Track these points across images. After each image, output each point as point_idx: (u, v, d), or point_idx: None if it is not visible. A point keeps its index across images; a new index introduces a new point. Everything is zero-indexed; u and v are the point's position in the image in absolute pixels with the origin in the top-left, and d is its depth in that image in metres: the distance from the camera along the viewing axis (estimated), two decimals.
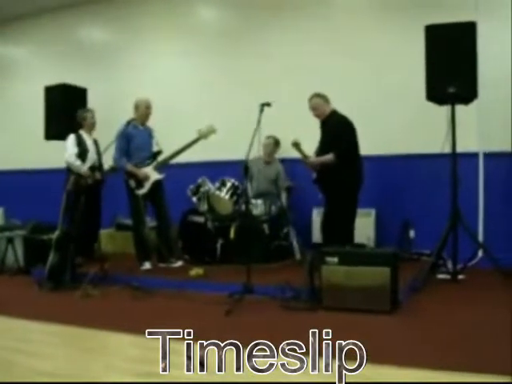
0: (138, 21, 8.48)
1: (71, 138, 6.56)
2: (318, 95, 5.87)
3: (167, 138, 6.54)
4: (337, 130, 5.76)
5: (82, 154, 6.53)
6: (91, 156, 6.58)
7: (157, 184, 6.30)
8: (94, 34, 9.09)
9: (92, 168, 6.38)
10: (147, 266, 6.29)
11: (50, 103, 7.36)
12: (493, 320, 3.96)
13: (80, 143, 6.56)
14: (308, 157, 5.91)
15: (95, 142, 6.79)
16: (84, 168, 6.39)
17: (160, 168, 6.30)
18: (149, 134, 6.45)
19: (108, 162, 6.39)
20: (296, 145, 5.85)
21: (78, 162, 6.41)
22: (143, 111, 6.38)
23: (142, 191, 6.26)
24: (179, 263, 6.43)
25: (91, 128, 6.71)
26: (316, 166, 5.85)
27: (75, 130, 6.66)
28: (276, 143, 7.19)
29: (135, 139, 6.33)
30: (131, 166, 6.22)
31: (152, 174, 6.24)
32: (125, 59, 8.66)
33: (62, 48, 9.14)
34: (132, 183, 6.23)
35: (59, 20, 9.13)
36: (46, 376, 3.09)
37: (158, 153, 6.35)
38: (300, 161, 6.09)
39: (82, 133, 6.66)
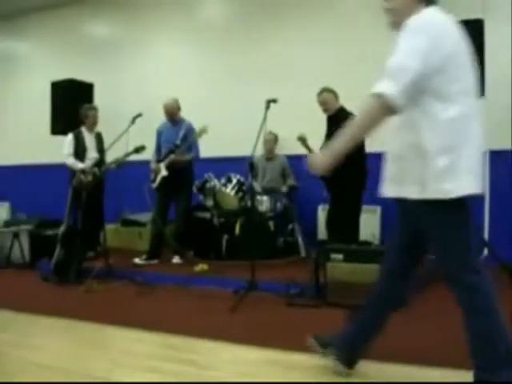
0: (144, 16, 8.49)
1: (69, 137, 6.66)
2: (328, 90, 5.86)
3: None
4: (343, 127, 5.73)
5: (81, 152, 6.57)
6: (91, 153, 6.60)
7: (177, 182, 6.39)
8: (99, 28, 9.10)
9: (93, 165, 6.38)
10: (136, 260, 6.41)
11: (56, 98, 7.37)
12: None
13: (78, 142, 6.61)
14: (313, 151, 5.89)
15: (98, 137, 6.81)
16: (79, 165, 6.40)
17: (171, 165, 6.40)
18: (176, 131, 6.56)
19: (114, 156, 6.38)
20: (302, 139, 5.83)
21: (70, 161, 6.49)
22: (164, 110, 6.58)
23: (153, 185, 6.50)
24: (175, 260, 6.49)
25: (93, 126, 6.72)
26: None
27: (77, 126, 6.70)
28: (276, 139, 7.24)
29: (162, 136, 6.66)
30: (153, 160, 6.58)
31: (162, 171, 6.35)
32: (130, 54, 8.66)
33: (67, 43, 9.15)
34: (151, 177, 6.54)
35: (65, 15, 9.15)
36: (49, 370, 3.11)
37: (173, 150, 6.42)
38: (305, 157, 6.06)
39: (83, 130, 6.69)
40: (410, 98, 2.45)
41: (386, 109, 2.48)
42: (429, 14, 2.57)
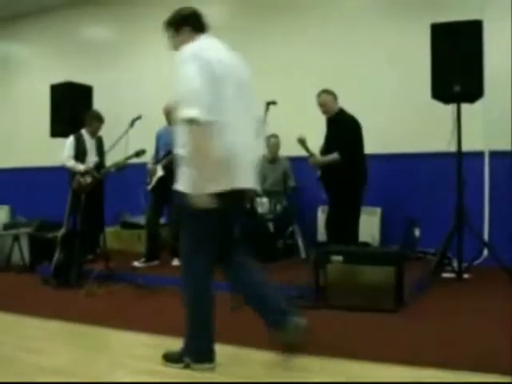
0: (143, 18, 8.46)
1: (69, 139, 6.63)
2: (327, 92, 5.86)
3: None
4: (343, 130, 5.76)
5: (81, 154, 6.56)
6: (91, 157, 6.60)
7: (172, 184, 6.34)
8: (98, 31, 9.10)
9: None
10: (136, 263, 6.39)
11: (55, 101, 7.37)
12: (497, 319, 3.95)
13: (79, 144, 6.59)
14: (313, 154, 5.91)
15: (98, 140, 6.80)
16: (80, 167, 6.40)
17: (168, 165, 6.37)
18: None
19: (113, 160, 6.36)
20: (301, 141, 5.84)
21: (71, 163, 6.47)
22: (165, 112, 6.54)
23: (148, 187, 6.50)
24: (175, 262, 6.39)
25: (94, 132, 6.72)
26: (320, 165, 5.86)
27: (77, 128, 6.69)
28: (279, 142, 7.22)
29: (161, 140, 6.62)
30: (151, 162, 6.57)
31: (159, 171, 6.35)
32: (129, 56, 8.66)
33: (67, 46, 9.15)
34: (148, 179, 6.53)
35: (64, 18, 9.15)
36: (49, 373, 3.11)
37: (171, 151, 6.39)
38: (304, 159, 6.09)
39: (84, 133, 6.67)
40: (211, 113, 2.92)
41: (203, 131, 2.87)
42: (199, 42, 3.22)
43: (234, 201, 3.14)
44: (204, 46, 3.18)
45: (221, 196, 2.98)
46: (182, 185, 3.10)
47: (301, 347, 3.27)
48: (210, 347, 3.16)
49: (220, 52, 3.23)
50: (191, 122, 2.87)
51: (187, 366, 3.12)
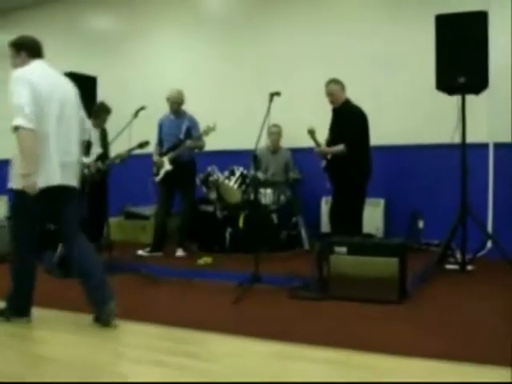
0: (146, 9, 8.46)
1: None
2: (335, 81, 5.88)
3: None
4: (349, 120, 5.76)
5: (85, 146, 6.54)
6: (95, 148, 6.58)
7: (181, 176, 6.38)
8: (103, 22, 9.08)
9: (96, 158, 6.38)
10: (140, 252, 6.45)
11: None
12: (500, 311, 3.95)
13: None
14: (320, 145, 5.95)
15: (103, 132, 6.79)
16: (84, 160, 6.38)
17: (175, 159, 6.38)
18: (179, 124, 6.53)
19: (116, 150, 6.35)
20: (311, 132, 5.91)
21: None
22: (168, 101, 6.57)
23: (156, 178, 6.52)
24: (179, 253, 6.50)
25: (98, 124, 6.70)
26: (326, 155, 5.89)
27: None
28: (281, 132, 7.22)
29: (163, 129, 6.66)
30: (155, 153, 6.58)
31: (165, 165, 6.35)
32: (133, 47, 8.65)
33: (71, 37, 9.13)
34: (154, 170, 6.55)
35: (68, 8, 9.13)
36: (54, 363, 3.12)
37: (178, 144, 6.39)
38: (307, 150, 6.11)
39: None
40: (33, 122, 3.55)
41: (27, 134, 3.53)
42: (29, 67, 3.83)
43: (55, 193, 3.74)
44: (31, 70, 3.79)
45: (44, 190, 3.62)
46: (14, 183, 3.72)
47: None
48: (28, 306, 3.89)
49: (45, 75, 3.88)
50: (17, 128, 3.50)
51: (7, 320, 3.84)
